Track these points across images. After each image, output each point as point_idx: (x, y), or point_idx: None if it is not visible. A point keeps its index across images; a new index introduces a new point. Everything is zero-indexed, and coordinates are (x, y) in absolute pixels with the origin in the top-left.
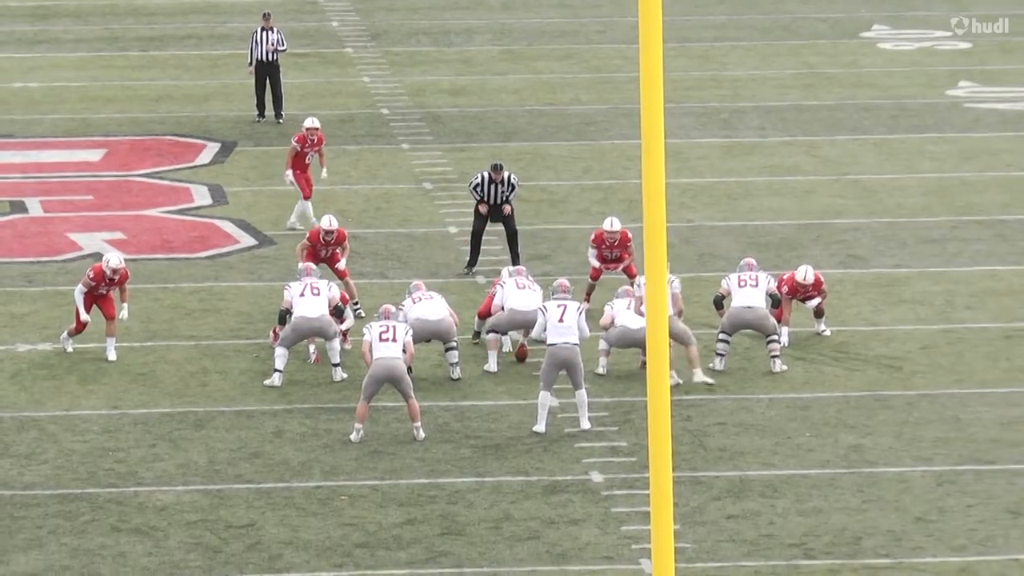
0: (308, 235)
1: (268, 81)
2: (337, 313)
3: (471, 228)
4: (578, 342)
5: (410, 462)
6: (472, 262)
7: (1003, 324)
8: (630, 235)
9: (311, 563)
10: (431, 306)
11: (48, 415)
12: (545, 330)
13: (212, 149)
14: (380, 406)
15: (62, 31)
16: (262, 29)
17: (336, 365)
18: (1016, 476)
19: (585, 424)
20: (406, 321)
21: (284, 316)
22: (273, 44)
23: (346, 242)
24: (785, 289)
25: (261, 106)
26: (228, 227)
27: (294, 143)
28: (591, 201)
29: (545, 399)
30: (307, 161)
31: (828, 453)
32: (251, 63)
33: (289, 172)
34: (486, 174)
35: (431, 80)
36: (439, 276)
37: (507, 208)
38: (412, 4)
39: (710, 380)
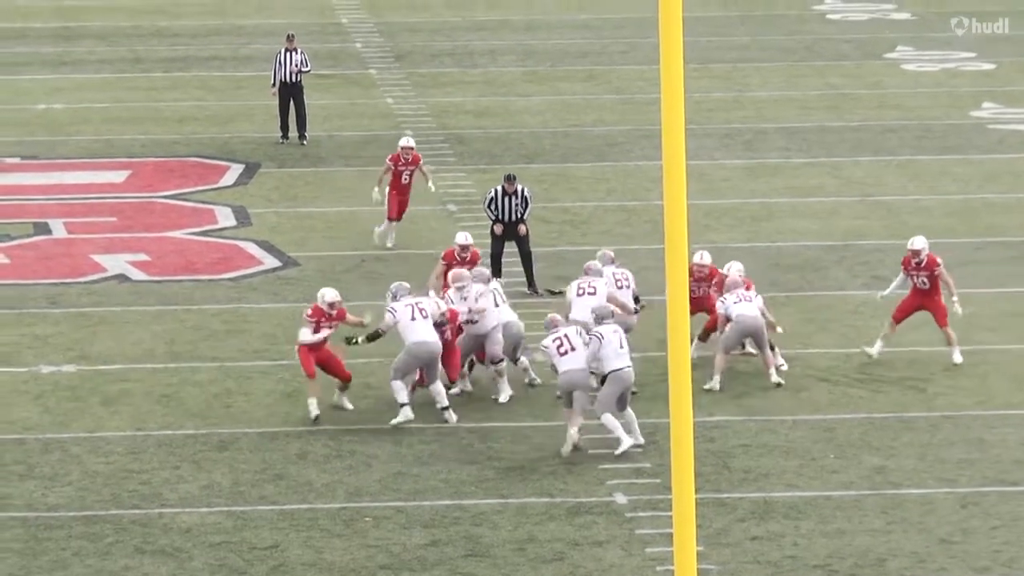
0: (443, 255)
1: (292, 102)
2: (438, 326)
3: (490, 251)
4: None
5: (434, 484)
6: None
7: None
8: (719, 270)
9: None
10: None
11: (72, 436)
12: (598, 358)
13: (236, 170)
14: (404, 427)
15: (86, 52)
16: (286, 50)
17: (444, 408)
18: None
19: (639, 439)
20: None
21: (375, 336)
22: (297, 65)
23: (480, 262)
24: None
25: (285, 127)
26: (252, 248)
27: (387, 162)
28: (614, 222)
29: (611, 421)
30: (404, 181)
31: (852, 475)
32: (275, 84)
33: (377, 190)
34: (499, 188)
35: (455, 101)
36: None
37: (522, 228)
38: (436, 26)
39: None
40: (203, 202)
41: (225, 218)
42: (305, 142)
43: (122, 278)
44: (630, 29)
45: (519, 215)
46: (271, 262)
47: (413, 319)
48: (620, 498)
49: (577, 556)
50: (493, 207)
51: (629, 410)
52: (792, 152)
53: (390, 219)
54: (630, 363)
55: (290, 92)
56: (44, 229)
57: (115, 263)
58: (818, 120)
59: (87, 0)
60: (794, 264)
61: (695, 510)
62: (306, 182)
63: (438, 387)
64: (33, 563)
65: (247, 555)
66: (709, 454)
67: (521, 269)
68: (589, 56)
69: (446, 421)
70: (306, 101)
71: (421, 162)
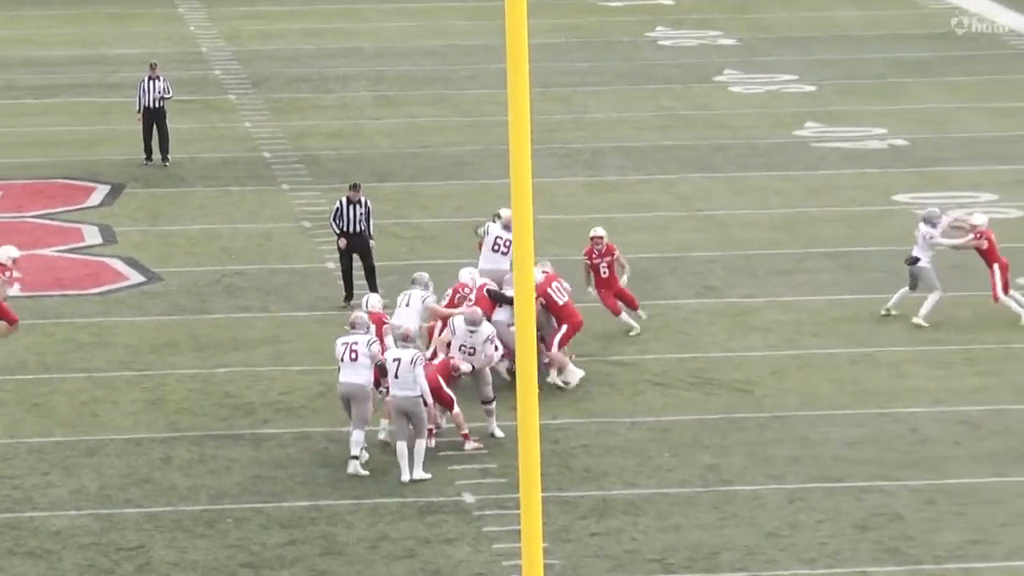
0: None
1: (155, 126)
2: (382, 373)
3: (340, 266)
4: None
5: (292, 486)
6: (348, 296)
7: (848, 350)
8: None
9: None
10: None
11: None
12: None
13: (102, 191)
14: (263, 433)
15: None
16: (149, 78)
17: (353, 458)
18: (863, 493)
19: (420, 474)
20: None
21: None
22: (159, 92)
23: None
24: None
25: (148, 150)
26: (118, 265)
27: (584, 257)
28: (463, 238)
29: (400, 448)
30: (603, 275)
31: (686, 472)
32: (139, 110)
33: (591, 289)
34: (344, 199)
35: (310, 124)
36: (318, 309)
37: (372, 244)
38: (291, 53)
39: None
40: (71, 221)
41: (92, 236)
42: (168, 164)
43: None
44: (476, 55)
45: (363, 227)
46: (136, 277)
47: (342, 359)
48: (468, 497)
49: (428, 553)
50: (337, 218)
51: (420, 443)
52: (628, 170)
53: (616, 315)
54: (410, 393)
55: (153, 117)
56: None
57: None
58: (652, 140)
59: None
60: (630, 275)
61: (540, 508)
62: (169, 202)
63: (357, 436)
64: None
65: (114, 555)
66: (552, 454)
67: (365, 283)
68: (437, 81)
69: (349, 468)
70: (168, 125)
71: (617, 253)
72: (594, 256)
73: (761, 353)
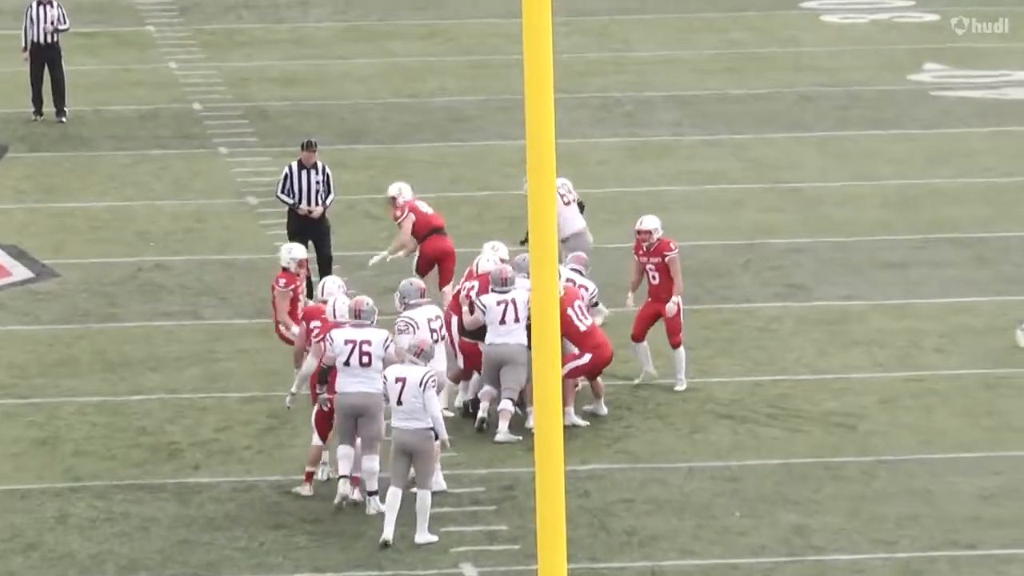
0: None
1: (47, 68)
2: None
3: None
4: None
5: (230, 553)
6: (307, 295)
7: (982, 370)
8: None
9: None
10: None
11: None
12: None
13: None
14: (191, 483)
15: None
16: (38, 3)
17: (372, 493)
18: (1003, 563)
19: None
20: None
21: (324, 375)
22: (52, 22)
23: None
24: None
25: (38, 100)
26: None
27: (634, 253)
28: (462, 218)
29: (391, 500)
30: (653, 279)
31: (764, 536)
32: (25, 47)
33: (630, 297)
34: (295, 163)
35: (256, 66)
36: (266, 315)
37: (318, 210)
38: None
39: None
40: None
41: None
42: (64, 119)
43: None
44: None
45: (320, 198)
46: (21, 272)
47: (347, 363)
48: (469, 570)
49: None
50: (287, 187)
51: (424, 495)
52: (685, 127)
53: (636, 340)
54: (418, 424)
55: (44, 56)
56: None
57: None
58: (716, 87)
59: None
60: (688, 268)
61: None
62: (66, 170)
63: (371, 464)
64: None
65: None
66: (583, 512)
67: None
68: (429, 7)
69: (366, 508)
70: (65, 67)
71: (671, 254)
72: (640, 254)
73: (865, 375)
